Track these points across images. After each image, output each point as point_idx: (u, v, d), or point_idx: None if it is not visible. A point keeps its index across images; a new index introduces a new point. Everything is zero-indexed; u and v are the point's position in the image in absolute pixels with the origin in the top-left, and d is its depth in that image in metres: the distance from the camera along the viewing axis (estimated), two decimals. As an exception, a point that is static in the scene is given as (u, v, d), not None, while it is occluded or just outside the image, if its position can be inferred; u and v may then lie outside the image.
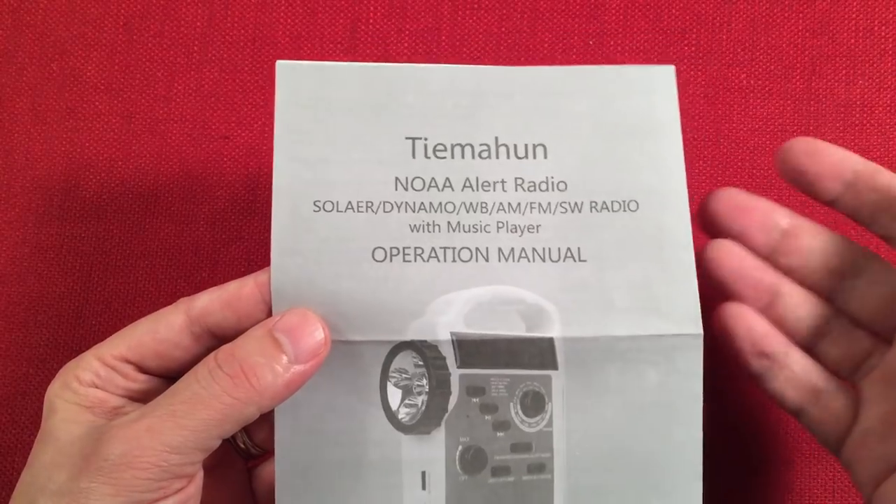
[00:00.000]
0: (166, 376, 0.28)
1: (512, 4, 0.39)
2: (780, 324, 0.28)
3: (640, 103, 0.29)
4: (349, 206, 0.28)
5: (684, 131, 0.29)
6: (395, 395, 0.28)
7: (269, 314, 0.27)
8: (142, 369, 0.27)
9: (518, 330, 0.28)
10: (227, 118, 0.39)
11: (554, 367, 0.28)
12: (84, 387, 0.26)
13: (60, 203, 0.38)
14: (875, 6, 0.39)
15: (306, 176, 0.28)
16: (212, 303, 0.27)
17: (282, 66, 0.29)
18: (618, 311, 0.28)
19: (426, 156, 0.28)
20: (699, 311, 0.28)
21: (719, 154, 0.38)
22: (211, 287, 0.28)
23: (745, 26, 0.39)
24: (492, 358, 0.28)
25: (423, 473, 0.27)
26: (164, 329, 0.27)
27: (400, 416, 0.28)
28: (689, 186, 0.29)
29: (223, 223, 0.38)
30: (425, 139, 0.29)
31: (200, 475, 0.26)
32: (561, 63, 0.38)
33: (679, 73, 0.30)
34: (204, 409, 0.24)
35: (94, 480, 0.23)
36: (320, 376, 0.27)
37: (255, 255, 0.38)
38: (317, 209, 0.28)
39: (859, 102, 0.38)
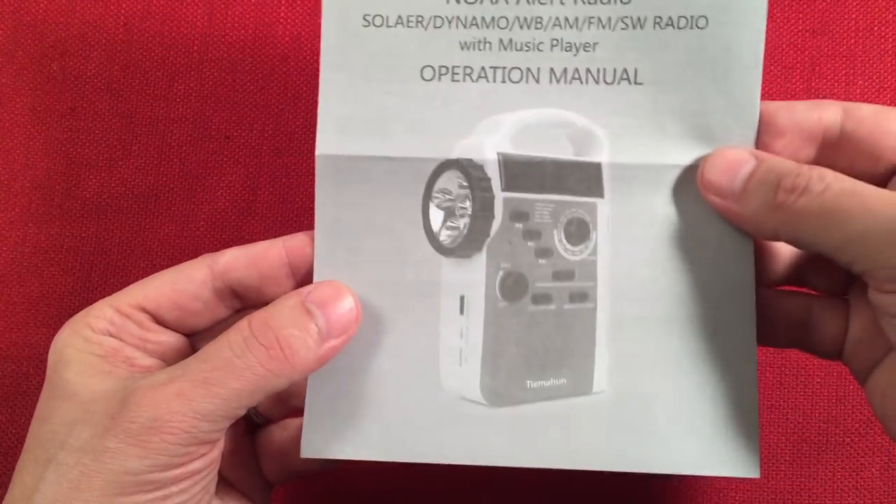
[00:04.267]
0: (181, 331, 0.28)
1: (512, 4, 0.39)
2: (770, 258, 0.29)
3: None
4: (399, 21, 0.27)
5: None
6: (437, 217, 0.27)
7: (293, 278, 0.27)
8: (157, 320, 0.27)
9: (566, 154, 0.27)
10: (227, 118, 0.39)
11: (600, 194, 0.27)
12: (97, 334, 0.26)
13: (60, 203, 0.38)
14: (875, 6, 0.39)
15: None
16: (237, 259, 0.27)
17: None
18: (669, 138, 0.26)
19: None
20: (755, 138, 0.26)
21: (719, 154, 0.38)
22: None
23: (745, 26, 0.39)
24: (537, 181, 0.27)
25: (462, 297, 0.27)
26: (184, 280, 0.27)
27: (441, 239, 0.27)
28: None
29: (223, 223, 0.38)
30: None
31: (222, 440, 0.26)
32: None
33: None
34: (236, 378, 0.24)
35: (122, 441, 0.23)
36: (362, 194, 0.26)
37: (255, 255, 0.38)
38: (366, 24, 0.27)
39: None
